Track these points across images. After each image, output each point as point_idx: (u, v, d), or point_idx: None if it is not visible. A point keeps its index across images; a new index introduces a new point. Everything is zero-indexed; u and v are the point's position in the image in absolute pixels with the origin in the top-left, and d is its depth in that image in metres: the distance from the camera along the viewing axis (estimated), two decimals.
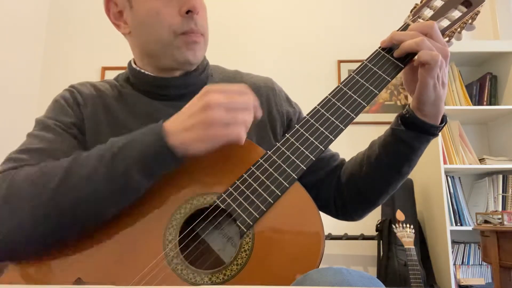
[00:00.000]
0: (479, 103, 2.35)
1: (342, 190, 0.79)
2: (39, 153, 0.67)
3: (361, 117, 0.66)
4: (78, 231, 0.59)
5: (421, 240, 2.21)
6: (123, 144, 0.59)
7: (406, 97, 2.51)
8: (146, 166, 0.58)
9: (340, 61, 2.56)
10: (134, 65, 0.80)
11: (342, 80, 2.84)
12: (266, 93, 0.83)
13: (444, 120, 0.70)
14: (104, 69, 2.59)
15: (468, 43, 2.30)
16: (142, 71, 0.78)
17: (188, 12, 0.71)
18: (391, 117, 2.45)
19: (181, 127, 0.58)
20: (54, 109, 0.75)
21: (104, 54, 2.61)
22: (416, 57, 0.66)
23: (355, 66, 2.82)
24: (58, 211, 0.57)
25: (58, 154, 0.65)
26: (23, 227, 0.57)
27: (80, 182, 0.58)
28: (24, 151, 0.67)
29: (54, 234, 0.58)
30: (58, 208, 0.57)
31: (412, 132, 0.69)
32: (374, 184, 0.75)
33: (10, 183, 0.59)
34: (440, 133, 0.77)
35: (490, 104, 2.33)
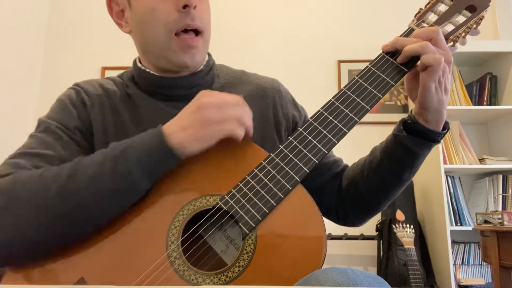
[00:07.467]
0: (479, 103, 2.35)
1: (344, 196, 0.79)
2: (39, 158, 0.65)
3: None
4: (80, 234, 0.59)
5: (421, 240, 2.21)
6: (124, 147, 0.61)
7: (406, 97, 2.51)
8: (147, 167, 0.60)
9: (340, 61, 2.56)
10: (139, 64, 0.79)
11: (343, 81, 2.80)
12: (272, 95, 0.83)
13: (446, 127, 0.70)
14: (104, 69, 2.59)
15: (468, 43, 2.29)
16: (147, 70, 0.77)
17: (185, 7, 0.70)
18: (391, 117, 2.45)
19: (178, 127, 0.62)
20: (58, 110, 0.73)
21: (104, 54, 2.61)
22: (419, 61, 0.66)
23: (355, 66, 2.82)
24: (61, 214, 0.57)
25: (56, 160, 0.65)
26: (26, 232, 0.57)
27: (83, 185, 0.58)
28: (22, 155, 0.66)
29: (57, 239, 0.58)
30: (62, 212, 0.57)
31: (414, 138, 0.68)
32: (375, 189, 0.75)
33: (10, 189, 0.59)
34: None
35: (490, 104, 2.33)
